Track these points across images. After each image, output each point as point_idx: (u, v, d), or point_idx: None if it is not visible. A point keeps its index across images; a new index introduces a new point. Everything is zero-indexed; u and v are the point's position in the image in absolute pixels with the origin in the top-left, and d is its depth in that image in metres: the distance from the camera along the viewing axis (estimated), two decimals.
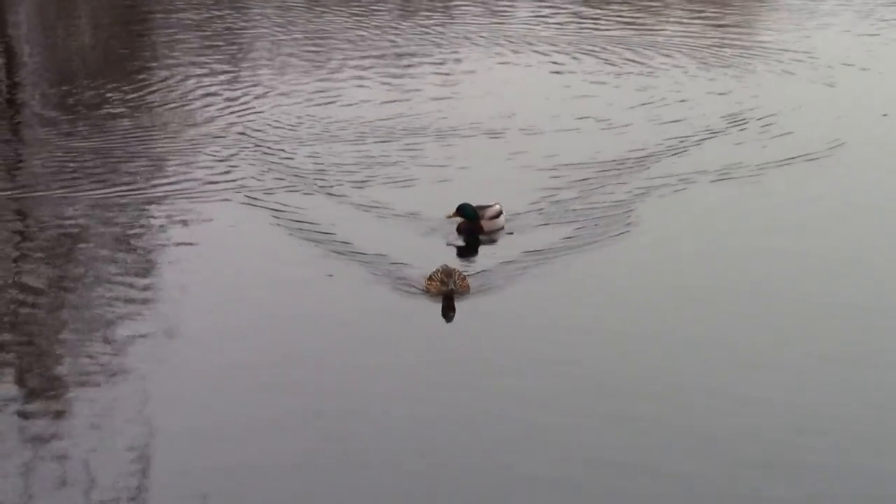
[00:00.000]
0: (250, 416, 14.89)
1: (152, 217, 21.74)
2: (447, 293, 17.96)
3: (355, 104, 28.83)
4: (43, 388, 15.57)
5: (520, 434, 14.62)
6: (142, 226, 21.40)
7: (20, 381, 15.84)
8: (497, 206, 21.00)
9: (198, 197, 22.66)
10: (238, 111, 28.25)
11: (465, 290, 18.15)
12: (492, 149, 25.69)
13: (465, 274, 18.48)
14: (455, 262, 19.52)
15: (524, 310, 17.96)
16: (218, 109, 28.42)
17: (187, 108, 28.68)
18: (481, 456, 14.25)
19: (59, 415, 14.90)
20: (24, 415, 14.84)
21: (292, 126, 26.93)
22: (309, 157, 24.82)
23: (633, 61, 33.42)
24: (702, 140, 26.15)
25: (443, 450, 14.44)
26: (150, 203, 22.35)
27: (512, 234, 21.01)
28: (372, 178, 23.50)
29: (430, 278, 18.26)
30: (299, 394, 15.60)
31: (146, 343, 16.84)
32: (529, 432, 14.63)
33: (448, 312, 17.72)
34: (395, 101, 29.33)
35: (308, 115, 27.78)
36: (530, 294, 18.55)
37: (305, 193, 22.72)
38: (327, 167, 24.18)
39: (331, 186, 23.03)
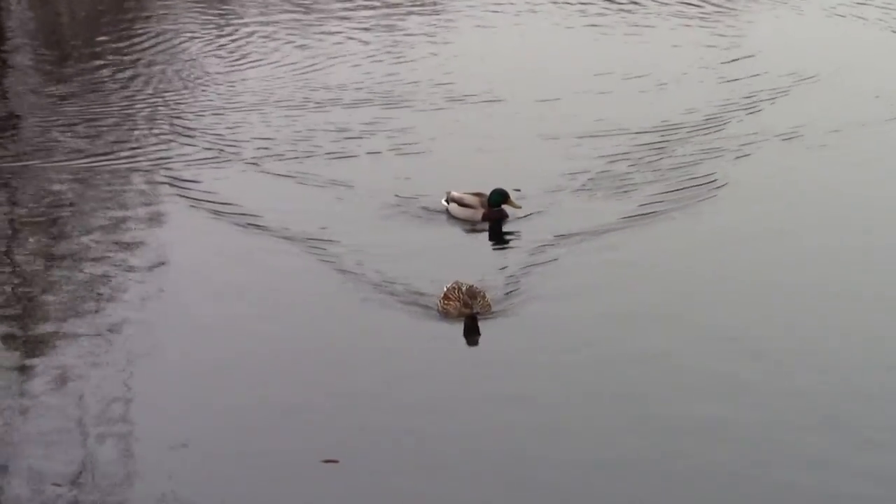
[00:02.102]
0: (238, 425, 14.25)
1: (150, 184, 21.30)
2: (471, 315, 16.51)
3: (354, 66, 27.61)
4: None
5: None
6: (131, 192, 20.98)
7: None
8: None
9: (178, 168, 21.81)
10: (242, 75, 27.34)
11: (487, 311, 16.76)
12: (502, 116, 24.23)
13: (483, 290, 16.84)
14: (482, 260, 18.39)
15: (561, 328, 16.35)
16: (219, 73, 27.35)
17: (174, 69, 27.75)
18: None
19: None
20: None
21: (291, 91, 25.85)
22: (306, 127, 23.61)
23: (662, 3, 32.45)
24: (772, 98, 24.70)
25: None
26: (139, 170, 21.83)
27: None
28: (389, 145, 22.53)
29: (446, 297, 16.72)
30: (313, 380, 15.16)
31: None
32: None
33: (472, 335, 16.23)
34: (399, 61, 28.03)
35: (303, 81, 26.56)
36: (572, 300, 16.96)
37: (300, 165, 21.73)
38: (319, 136, 23.08)
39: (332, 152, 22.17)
